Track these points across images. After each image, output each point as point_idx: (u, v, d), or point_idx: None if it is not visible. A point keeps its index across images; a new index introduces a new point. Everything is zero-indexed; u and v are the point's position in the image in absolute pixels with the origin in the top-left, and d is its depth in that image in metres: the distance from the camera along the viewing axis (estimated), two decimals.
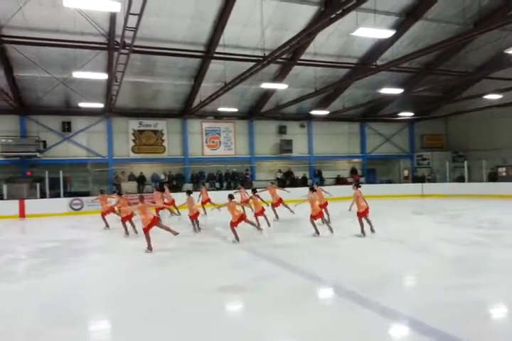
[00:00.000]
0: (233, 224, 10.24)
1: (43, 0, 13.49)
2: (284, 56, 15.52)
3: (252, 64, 15.13)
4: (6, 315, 5.43)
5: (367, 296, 5.66)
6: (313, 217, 10.54)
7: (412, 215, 15.75)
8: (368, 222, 10.49)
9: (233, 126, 24.91)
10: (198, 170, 23.62)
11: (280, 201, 13.93)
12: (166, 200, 15.83)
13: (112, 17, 13.87)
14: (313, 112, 23.54)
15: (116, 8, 8.41)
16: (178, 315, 5.23)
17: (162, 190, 16.45)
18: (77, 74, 14.46)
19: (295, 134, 26.08)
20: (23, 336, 4.76)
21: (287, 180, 24.37)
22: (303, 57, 18.29)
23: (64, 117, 21.26)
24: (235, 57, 16.53)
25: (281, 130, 25.70)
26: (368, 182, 26.37)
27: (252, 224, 10.86)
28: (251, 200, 12.77)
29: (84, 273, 7.74)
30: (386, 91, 19.44)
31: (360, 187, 10.67)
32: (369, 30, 11.44)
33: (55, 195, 19.58)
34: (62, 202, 18.82)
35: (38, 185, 19.73)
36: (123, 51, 12.10)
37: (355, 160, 28.16)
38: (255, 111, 23.98)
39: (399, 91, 19.81)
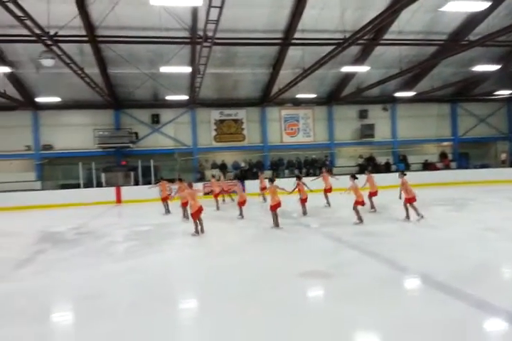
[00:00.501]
0: (272, 208, 10.44)
1: None
2: (365, 37, 14.90)
3: (331, 47, 14.76)
4: (109, 291, 6.08)
5: (458, 287, 5.38)
6: (358, 204, 10.64)
7: (510, 202, 14.42)
8: (414, 208, 10.53)
9: (312, 113, 24.63)
10: (277, 157, 23.87)
11: (331, 189, 14.58)
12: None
13: (194, 11, 14.37)
14: (398, 94, 22.34)
15: (199, 2, 8.72)
16: (260, 299, 5.40)
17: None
18: (163, 69, 15.32)
19: (377, 118, 25.04)
20: (125, 309, 5.30)
21: (369, 166, 23.60)
22: (386, 36, 17.38)
23: (153, 110, 22.70)
24: (314, 41, 16.24)
25: (362, 114, 24.83)
26: (460, 167, 24.59)
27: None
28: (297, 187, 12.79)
29: (174, 255, 8.33)
30: (480, 68, 17.79)
31: (405, 175, 11.05)
32: (460, 4, 10.47)
33: (147, 182, 21.12)
34: (154, 189, 20.21)
35: (132, 173, 21.46)
36: (205, 44, 12.51)
37: (445, 143, 26.29)
38: (335, 96, 23.44)
39: (495, 67, 18.01)
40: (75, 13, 13.86)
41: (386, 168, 23.56)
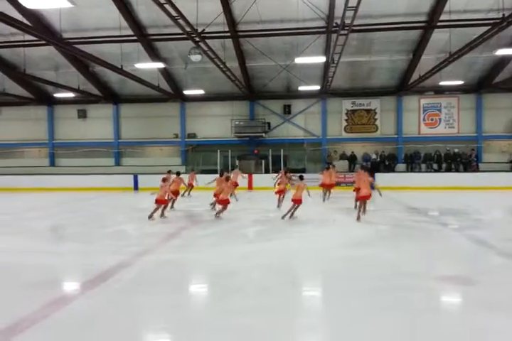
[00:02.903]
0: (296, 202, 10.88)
1: None
2: None
3: (484, 29, 13.10)
4: (241, 270, 6.48)
5: None
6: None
7: None
8: None
9: (457, 101, 22.33)
10: (412, 149, 22.33)
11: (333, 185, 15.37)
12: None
13: (332, 0, 14.15)
14: None
15: None
16: (390, 299, 5.15)
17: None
18: (298, 60, 15.52)
19: None
20: (255, 289, 5.61)
21: None
22: None
23: (285, 101, 23.25)
24: (464, 23, 14.60)
25: None
26: None
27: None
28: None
29: (300, 243, 8.46)
30: None
31: None
32: None
33: (276, 170, 21.80)
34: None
35: (263, 161, 22.43)
36: (342, 32, 12.26)
37: None
38: (485, 82, 20.84)
39: None
40: (219, 11, 14.87)
41: None
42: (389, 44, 18.10)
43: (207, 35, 13.88)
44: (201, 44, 13.88)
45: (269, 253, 7.47)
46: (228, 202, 11.41)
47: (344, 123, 23.22)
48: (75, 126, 24.74)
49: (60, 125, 24.96)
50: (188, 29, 12.39)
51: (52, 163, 24.90)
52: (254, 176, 21.04)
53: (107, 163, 24.11)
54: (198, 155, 24.03)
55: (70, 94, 21.70)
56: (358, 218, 10.64)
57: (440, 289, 5.53)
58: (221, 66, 16.50)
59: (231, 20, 15.85)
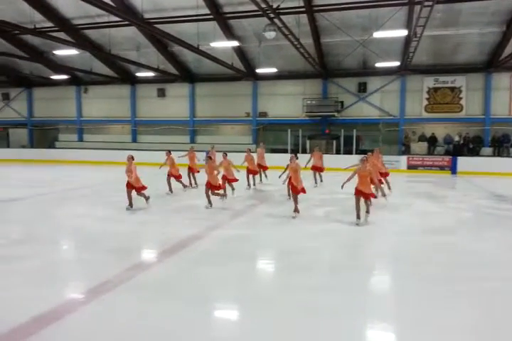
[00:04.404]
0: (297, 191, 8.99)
1: None
2: None
3: None
4: (306, 250, 6.51)
5: None
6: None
7: None
8: None
9: None
10: (500, 132, 20.46)
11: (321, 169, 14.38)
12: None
13: None
14: None
15: None
16: (465, 287, 4.92)
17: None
18: (377, 34, 14.73)
19: None
20: (321, 268, 5.63)
21: None
22: None
23: (360, 78, 22.32)
24: None
25: None
26: None
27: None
28: None
29: (371, 225, 8.26)
30: None
31: None
32: None
33: (348, 151, 21.30)
34: (354, 159, 20.28)
35: (334, 142, 21.95)
36: (426, 3, 11.36)
37: None
38: None
39: None
40: None
41: None
42: (478, 15, 16.44)
43: (282, 10, 13.65)
44: (276, 20, 13.69)
45: (339, 235, 7.42)
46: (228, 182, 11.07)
47: (425, 102, 21.81)
48: (154, 105, 26.01)
49: (141, 103, 26.38)
50: (263, 5, 12.26)
51: (134, 140, 26.54)
52: (325, 156, 20.67)
53: (183, 141, 25.15)
54: (268, 134, 24.15)
55: (150, 74, 22.72)
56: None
57: None
58: (295, 43, 16.19)
59: None
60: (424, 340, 3.73)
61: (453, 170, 19.20)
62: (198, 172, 12.86)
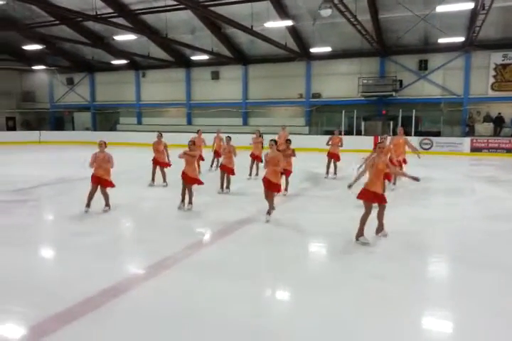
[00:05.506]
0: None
1: None
2: None
3: None
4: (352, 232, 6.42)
5: None
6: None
7: None
8: None
9: None
10: None
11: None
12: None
13: None
14: None
15: None
16: None
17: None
18: (440, 8, 13.77)
19: None
20: (381, 257, 5.56)
21: None
22: None
23: (421, 55, 21.12)
24: None
25: None
26: None
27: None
28: None
29: (429, 210, 7.99)
30: None
31: None
32: None
33: (406, 133, 20.32)
34: (413, 140, 19.44)
35: (391, 122, 21.13)
36: None
37: None
38: None
39: None
40: None
41: None
42: None
43: None
44: None
45: (399, 220, 7.11)
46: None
47: (491, 80, 20.28)
48: (208, 87, 26.36)
49: (196, 86, 26.83)
50: None
51: (189, 122, 27.19)
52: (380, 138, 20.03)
53: (236, 123, 25.38)
54: (322, 115, 23.69)
55: (205, 57, 22.96)
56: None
57: None
58: (351, 20, 15.57)
59: None
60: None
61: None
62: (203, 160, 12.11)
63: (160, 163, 10.48)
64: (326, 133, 21.94)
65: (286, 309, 4.15)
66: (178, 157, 7.97)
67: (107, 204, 7.75)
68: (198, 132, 13.06)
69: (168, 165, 10.56)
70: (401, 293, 4.32)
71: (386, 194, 6.36)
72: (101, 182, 7.59)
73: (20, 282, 4.59)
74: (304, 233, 6.64)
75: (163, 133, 11.11)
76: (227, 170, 9.50)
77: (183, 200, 7.89)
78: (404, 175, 6.55)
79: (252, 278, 4.71)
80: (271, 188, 7.03)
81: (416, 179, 5.92)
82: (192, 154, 7.97)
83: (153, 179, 10.54)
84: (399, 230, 6.56)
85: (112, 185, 7.72)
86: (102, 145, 7.79)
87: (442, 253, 5.77)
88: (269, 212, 7.05)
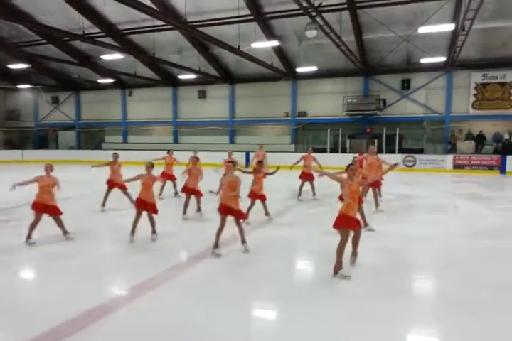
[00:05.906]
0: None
1: None
2: None
3: None
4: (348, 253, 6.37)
5: None
6: None
7: None
8: None
9: None
10: None
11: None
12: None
13: None
14: None
15: None
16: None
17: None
18: (422, 29, 14.21)
19: None
20: (367, 275, 5.49)
21: None
22: None
23: (404, 75, 21.67)
24: None
25: None
26: None
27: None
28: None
29: (416, 228, 8.00)
30: None
31: None
32: None
33: (390, 150, 20.73)
34: (397, 158, 19.74)
35: (375, 141, 21.42)
36: None
37: None
38: None
39: None
40: None
41: None
42: None
43: (323, 8, 13.48)
44: (317, 19, 13.54)
45: (383, 238, 7.17)
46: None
47: (472, 99, 20.86)
48: (195, 106, 26.47)
49: (183, 105, 26.93)
50: (304, 4, 12.16)
51: (176, 140, 27.13)
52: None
53: (223, 141, 25.42)
54: (307, 133, 23.94)
55: (192, 76, 23.13)
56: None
57: None
58: (336, 40, 15.95)
59: None
60: None
61: (502, 169, 18.30)
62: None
63: (117, 184, 9.66)
64: (313, 150, 22.08)
65: (274, 329, 4.03)
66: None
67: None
68: (168, 152, 11.76)
69: (125, 187, 9.63)
70: (386, 310, 4.26)
71: (373, 215, 6.36)
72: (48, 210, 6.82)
73: (1, 304, 4.39)
74: (289, 251, 6.56)
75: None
76: (194, 193, 8.73)
77: (133, 231, 6.81)
78: (385, 171, 6.52)
79: (239, 297, 4.60)
80: (235, 215, 6.21)
81: (395, 164, 6.01)
82: (153, 178, 7.03)
83: (103, 204, 9.69)
84: (383, 247, 6.54)
85: (60, 213, 6.94)
86: (48, 169, 7.09)
87: (427, 269, 5.74)
88: (243, 241, 6.33)
